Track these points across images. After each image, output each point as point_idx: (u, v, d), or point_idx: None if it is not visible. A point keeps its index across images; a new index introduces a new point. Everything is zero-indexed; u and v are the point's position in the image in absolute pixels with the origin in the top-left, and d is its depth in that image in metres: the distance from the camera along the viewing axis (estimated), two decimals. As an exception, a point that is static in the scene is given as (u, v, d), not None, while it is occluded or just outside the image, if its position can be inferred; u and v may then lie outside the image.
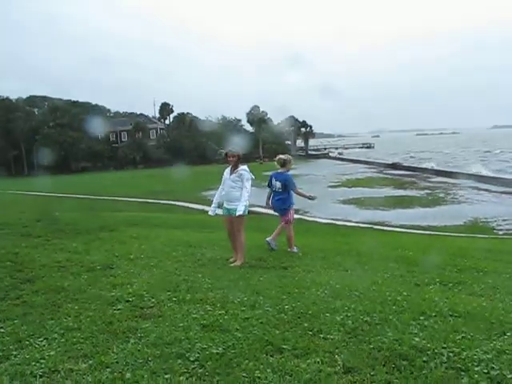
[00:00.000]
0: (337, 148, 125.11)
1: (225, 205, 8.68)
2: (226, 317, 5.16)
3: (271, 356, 4.21)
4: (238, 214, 8.31)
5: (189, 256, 8.81)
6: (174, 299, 5.80)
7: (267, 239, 9.86)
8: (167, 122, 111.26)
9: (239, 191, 8.46)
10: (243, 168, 8.56)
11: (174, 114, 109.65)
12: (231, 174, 8.56)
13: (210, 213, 8.80)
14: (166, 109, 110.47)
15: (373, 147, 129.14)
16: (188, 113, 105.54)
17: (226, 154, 8.60)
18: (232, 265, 8.24)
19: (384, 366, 4.04)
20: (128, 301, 5.72)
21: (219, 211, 8.80)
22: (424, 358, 4.17)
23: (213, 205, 8.78)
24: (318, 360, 4.12)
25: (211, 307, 5.50)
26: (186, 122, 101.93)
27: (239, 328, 4.82)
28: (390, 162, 71.96)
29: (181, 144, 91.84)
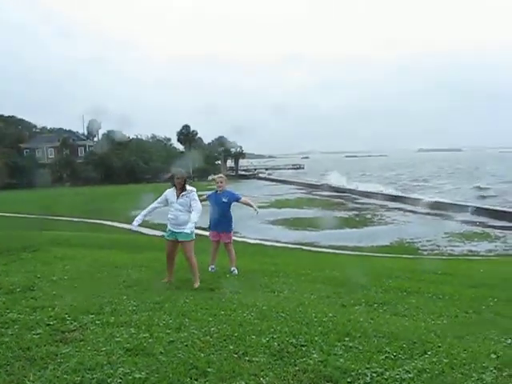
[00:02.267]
0: (267, 169, 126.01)
1: (171, 228, 8.40)
2: (150, 340, 5.06)
3: (195, 380, 4.16)
4: (190, 239, 8.30)
5: (114, 277, 8.63)
6: (98, 322, 5.64)
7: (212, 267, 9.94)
8: (96, 139, 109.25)
9: (187, 215, 8.25)
10: (190, 189, 8.34)
11: (103, 130, 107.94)
12: (178, 197, 8.30)
13: (133, 225, 8.46)
14: (94, 125, 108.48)
15: (303, 168, 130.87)
16: (117, 130, 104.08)
17: (173, 176, 8.37)
18: (196, 286, 8.24)
19: (308, 388, 4.05)
20: (48, 324, 5.52)
21: (166, 234, 8.54)
22: (348, 379, 4.22)
23: (139, 216, 8.46)
24: (243, 383, 4.09)
25: (136, 330, 5.38)
26: (114, 139, 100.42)
27: (164, 351, 4.73)
28: (319, 183, 73.06)
29: (109, 162, 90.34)
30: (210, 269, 9.79)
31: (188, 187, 8.35)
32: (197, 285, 8.27)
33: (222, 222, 9.77)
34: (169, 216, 8.41)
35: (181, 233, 8.26)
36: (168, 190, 8.48)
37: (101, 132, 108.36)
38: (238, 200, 9.91)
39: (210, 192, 10.23)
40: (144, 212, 8.53)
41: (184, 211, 8.26)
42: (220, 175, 10.27)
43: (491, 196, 51.98)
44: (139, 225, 8.52)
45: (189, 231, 8.14)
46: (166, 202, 8.45)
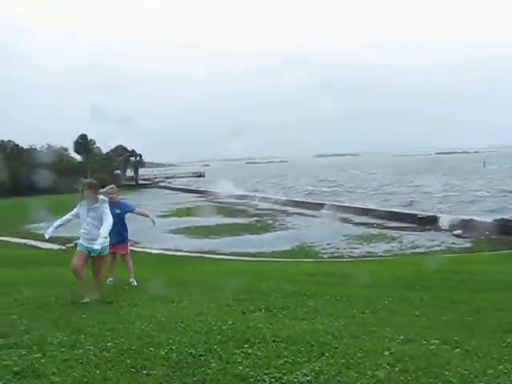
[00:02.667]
0: (167, 177, 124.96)
1: (84, 243, 7.80)
2: (42, 360, 4.83)
3: (90, 399, 4.00)
4: (104, 253, 7.94)
5: (4, 296, 8.20)
6: (-16, 346, 5.33)
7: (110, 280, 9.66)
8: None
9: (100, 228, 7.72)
10: (101, 200, 7.85)
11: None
12: (89, 210, 7.77)
13: (46, 235, 7.96)
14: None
15: (203, 176, 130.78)
16: (9, 140, 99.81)
17: (82, 186, 7.81)
18: (84, 301, 7.62)
19: (207, 398, 4.01)
20: None
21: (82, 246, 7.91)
22: (247, 387, 4.20)
23: (50, 228, 7.93)
24: (140, 399, 3.99)
25: (26, 351, 5.12)
26: (6, 150, 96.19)
27: (56, 371, 4.53)
28: (219, 191, 73.17)
29: (2, 174, 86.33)
30: (108, 281, 9.53)
31: (100, 198, 7.85)
32: (89, 300, 7.70)
33: (116, 233, 9.47)
34: (81, 231, 7.89)
35: (95, 249, 7.69)
36: (80, 202, 7.94)
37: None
38: (131, 211, 9.72)
39: None
40: (55, 224, 7.99)
41: (97, 224, 7.73)
42: (111, 186, 9.81)
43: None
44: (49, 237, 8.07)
45: (98, 247, 7.55)
46: (78, 215, 7.96)
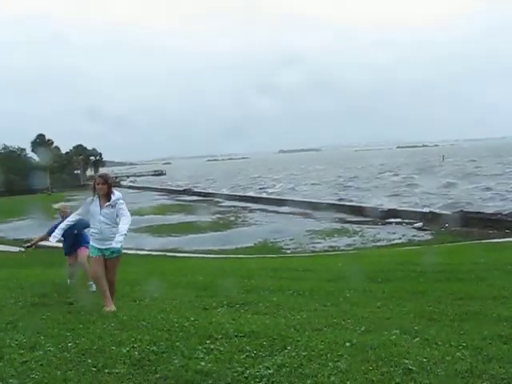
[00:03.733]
0: (128, 176, 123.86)
1: (95, 244, 7.07)
2: (0, 363, 4.76)
3: (51, 400, 3.96)
4: (118, 255, 7.11)
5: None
6: None
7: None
8: None
9: (115, 227, 6.94)
10: (117, 197, 7.03)
11: None
12: (102, 207, 6.97)
13: (53, 239, 7.25)
14: None
15: (165, 174, 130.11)
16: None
17: (94, 181, 7.11)
18: (107, 309, 6.91)
19: (170, 394, 4.00)
20: None
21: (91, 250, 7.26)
22: (209, 381, 4.24)
23: (57, 231, 7.23)
24: (102, 397, 3.96)
25: (-16, 355, 5.03)
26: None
27: (15, 374, 4.48)
28: (182, 189, 72.89)
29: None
30: (68, 282, 9.38)
31: (114, 194, 7.05)
32: (111, 308, 6.98)
33: (76, 243, 9.08)
34: (91, 231, 7.15)
35: (107, 249, 6.99)
36: (88, 199, 7.15)
37: None
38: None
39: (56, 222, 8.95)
40: (63, 225, 7.32)
41: (111, 223, 6.97)
42: (62, 203, 9.58)
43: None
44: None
45: (118, 246, 6.81)
46: (88, 214, 7.18)
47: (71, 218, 7.37)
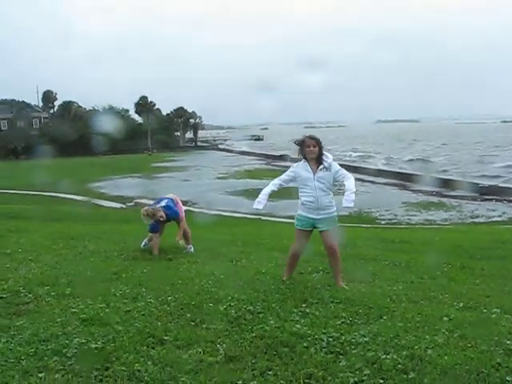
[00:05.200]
0: (226, 140, 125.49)
1: (308, 214, 6.33)
2: (107, 310, 5.04)
3: (152, 348, 4.15)
4: (333, 224, 6.43)
5: (70, 249, 8.52)
6: (53, 294, 5.59)
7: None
8: (51, 111, 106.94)
9: (330, 194, 6.35)
10: (329, 158, 6.31)
11: (59, 102, 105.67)
12: (315, 172, 6.24)
13: (258, 206, 6.55)
14: (49, 97, 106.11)
15: (262, 139, 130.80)
16: (73, 101, 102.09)
17: (302, 143, 6.26)
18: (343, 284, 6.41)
19: (265, 353, 4.09)
20: (1, 298, 5.43)
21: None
22: (304, 344, 4.26)
23: (261, 196, 6.57)
24: (200, 350, 4.11)
25: (92, 301, 5.34)
26: (71, 111, 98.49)
27: (120, 321, 4.72)
28: (278, 154, 73.14)
29: (65, 134, 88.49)
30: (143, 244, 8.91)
31: (328, 156, 6.31)
32: (343, 283, 6.44)
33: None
34: (303, 199, 6.34)
35: (324, 219, 6.31)
36: (294, 164, 6.48)
37: (57, 104, 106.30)
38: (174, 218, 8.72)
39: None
40: (267, 190, 6.58)
41: (326, 190, 6.27)
42: (153, 212, 8.42)
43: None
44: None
45: (351, 204, 6.21)
46: (294, 180, 6.47)
47: (276, 182, 6.61)
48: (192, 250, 8.81)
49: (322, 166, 6.21)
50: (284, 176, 6.53)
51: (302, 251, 6.64)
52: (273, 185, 6.59)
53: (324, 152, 6.27)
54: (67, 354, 3.96)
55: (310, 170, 6.24)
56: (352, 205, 6.20)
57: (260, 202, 6.52)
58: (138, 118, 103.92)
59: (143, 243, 8.80)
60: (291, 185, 6.63)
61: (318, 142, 6.21)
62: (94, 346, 4.12)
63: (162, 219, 8.39)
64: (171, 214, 8.52)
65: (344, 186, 6.35)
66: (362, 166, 53.15)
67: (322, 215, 6.27)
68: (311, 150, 6.18)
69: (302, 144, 6.24)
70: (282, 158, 68.72)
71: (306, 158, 6.27)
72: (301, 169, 6.31)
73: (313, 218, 6.30)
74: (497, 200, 30.16)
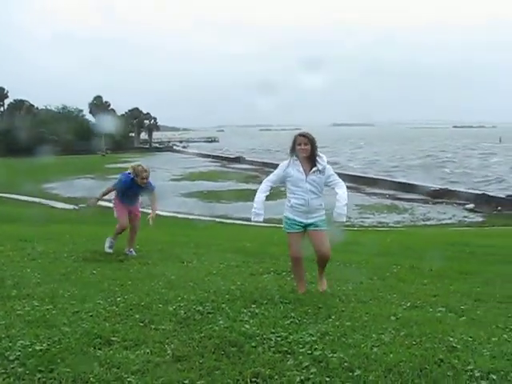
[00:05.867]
0: (181, 141, 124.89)
1: (297, 217, 5.90)
2: (53, 312, 4.95)
3: (99, 349, 4.08)
4: (323, 226, 5.96)
5: (18, 251, 8.35)
6: (-2, 296, 5.46)
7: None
8: (1, 108, 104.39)
9: (321, 197, 5.92)
10: (324, 161, 5.89)
11: (10, 100, 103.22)
12: (307, 173, 5.80)
13: (258, 218, 6.07)
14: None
15: (217, 141, 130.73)
16: (25, 100, 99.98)
17: (293, 141, 5.84)
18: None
19: (213, 353, 4.07)
20: None
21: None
22: (253, 344, 4.26)
23: (257, 206, 6.07)
24: (148, 351, 4.07)
25: (38, 302, 5.24)
26: (22, 109, 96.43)
27: (67, 322, 4.63)
28: (233, 156, 73.21)
29: (16, 133, 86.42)
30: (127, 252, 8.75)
31: (322, 157, 5.88)
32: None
33: (133, 202, 8.81)
34: (293, 201, 5.89)
35: (317, 222, 5.90)
36: (284, 162, 5.97)
37: (7, 102, 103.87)
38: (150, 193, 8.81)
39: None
40: (261, 198, 6.08)
41: (318, 193, 5.85)
42: (144, 168, 8.48)
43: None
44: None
45: (343, 219, 5.92)
46: (284, 180, 5.99)
47: (264, 186, 6.13)
48: (134, 253, 8.58)
49: (315, 168, 5.78)
50: (272, 176, 6.07)
51: (301, 253, 6.12)
52: (264, 190, 6.11)
53: (318, 152, 5.84)
54: (10, 357, 3.86)
55: (302, 170, 5.79)
56: (344, 219, 5.92)
57: (259, 214, 6.05)
58: (93, 119, 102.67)
59: (108, 244, 8.56)
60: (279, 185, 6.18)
61: (310, 140, 5.77)
62: (38, 348, 4.03)
63: (145, 181, 8.34)
64: (150, 186, 8.51)
65: (336, 194, 5.97)
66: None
67: (311, 219, 5.87)
68: (302, 148, 5.73)
69: (293, 142, 5.83)
70: (237, 160, 68.92)
71: (297, 157, 5.82)
72: (292, 168, 5.83)
73: (303, 221, 5.89)
74: (447, 203, 30.87)
